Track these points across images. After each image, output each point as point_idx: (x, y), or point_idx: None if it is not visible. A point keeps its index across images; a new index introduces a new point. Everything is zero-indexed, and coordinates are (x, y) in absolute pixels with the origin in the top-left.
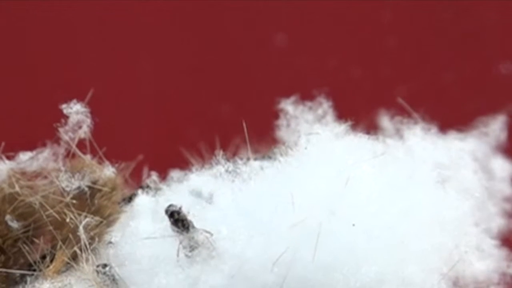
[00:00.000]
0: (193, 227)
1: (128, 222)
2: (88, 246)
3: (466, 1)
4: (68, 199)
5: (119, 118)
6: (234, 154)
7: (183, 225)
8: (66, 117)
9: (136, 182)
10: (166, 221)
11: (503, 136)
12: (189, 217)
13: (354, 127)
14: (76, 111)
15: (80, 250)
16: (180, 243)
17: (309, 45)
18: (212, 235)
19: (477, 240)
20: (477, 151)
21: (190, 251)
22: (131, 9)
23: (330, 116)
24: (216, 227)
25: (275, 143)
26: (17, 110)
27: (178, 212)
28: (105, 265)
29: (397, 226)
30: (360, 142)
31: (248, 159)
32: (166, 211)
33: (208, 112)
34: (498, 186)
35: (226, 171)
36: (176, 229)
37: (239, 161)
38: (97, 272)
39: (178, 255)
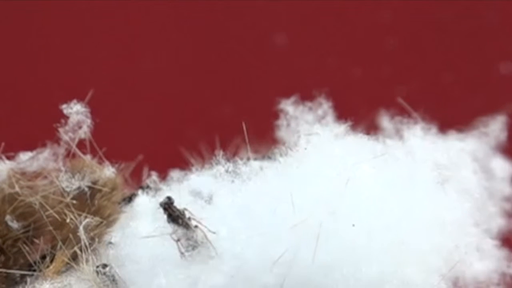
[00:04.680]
0: (190, 219)
1: (128, 223)
2: (88, 247)
3: (466, 1)
4: (68, 199)
5: (119, 118)
6: (234, 154)
7: (178, 218)
8: (66, 117)
9: (136, 182)
10: (165, 220)
11: (503, 136)
12: (187, 214)
13: (354, 127)
14: (76, 111)
15: (80, 250)
16: (178, 240)
17: (309, 45)
18: (214, 233)
19: (477, 240)
20: (477, 151)
21: (190, 251)
22: (131, 9)
23: (330, 117)
24: (216, 227)
25: (275, 143)
26: (17, 110)
27: (170, 204)
28: (105, 266)
29: (397, 226)
30: (360, 142)
31: (248, 159)
32: (160, 205)
33: (208, 112)
34: (498, 186)
35: (226, 171)
36: (172, 223)
37: (239, 162)
38: (97, 272)
39: (179, 251)
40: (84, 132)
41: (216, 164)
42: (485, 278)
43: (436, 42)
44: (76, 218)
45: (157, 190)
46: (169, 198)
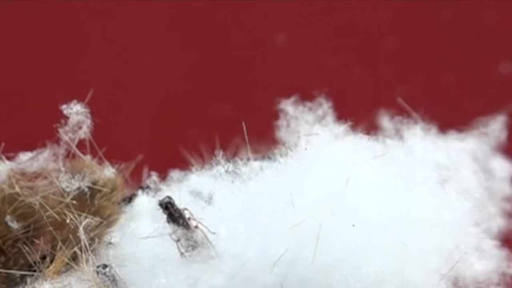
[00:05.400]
0: (190, 219)
1: (128, 223)
2: (88, 247)
3: (466, 1)
4: (68, 199)
5: (119, 118)
6: (234, 154)
7: (178, 218)
8: (66, 117)
9: (136, 182)
10: (165, 220)
11: (503, 136)
12: (187, 214)
13: (354, 127)
14: (76, 112)
15: (80, 250)
16: (178, 240)
17: (309, 45)
18: (214, 233)
19: (477, 240)
20: (477, 151)
21: (190, 251)
22: (131, 9)
23: (330, 117)
24: (216, 228)
25: (275, 143)
26: (17, 110)
27: (171, 204)
28: (105, 266)
29: (397, 226)
30: (360, 142)
31: (248, 159)
32: (160, 204)
33: (208, 112)
34: (498, 186)
35: (226, 171)
36: (172, 223)
37: (239, 162)
38: (97, 272)
39: (179, 251)
40: (84, 132)
41: (216, 164)
42: (485, 278)
43: (436, 42)
44: (76, 219)
45: (157, 190)
46: (169, 197)
